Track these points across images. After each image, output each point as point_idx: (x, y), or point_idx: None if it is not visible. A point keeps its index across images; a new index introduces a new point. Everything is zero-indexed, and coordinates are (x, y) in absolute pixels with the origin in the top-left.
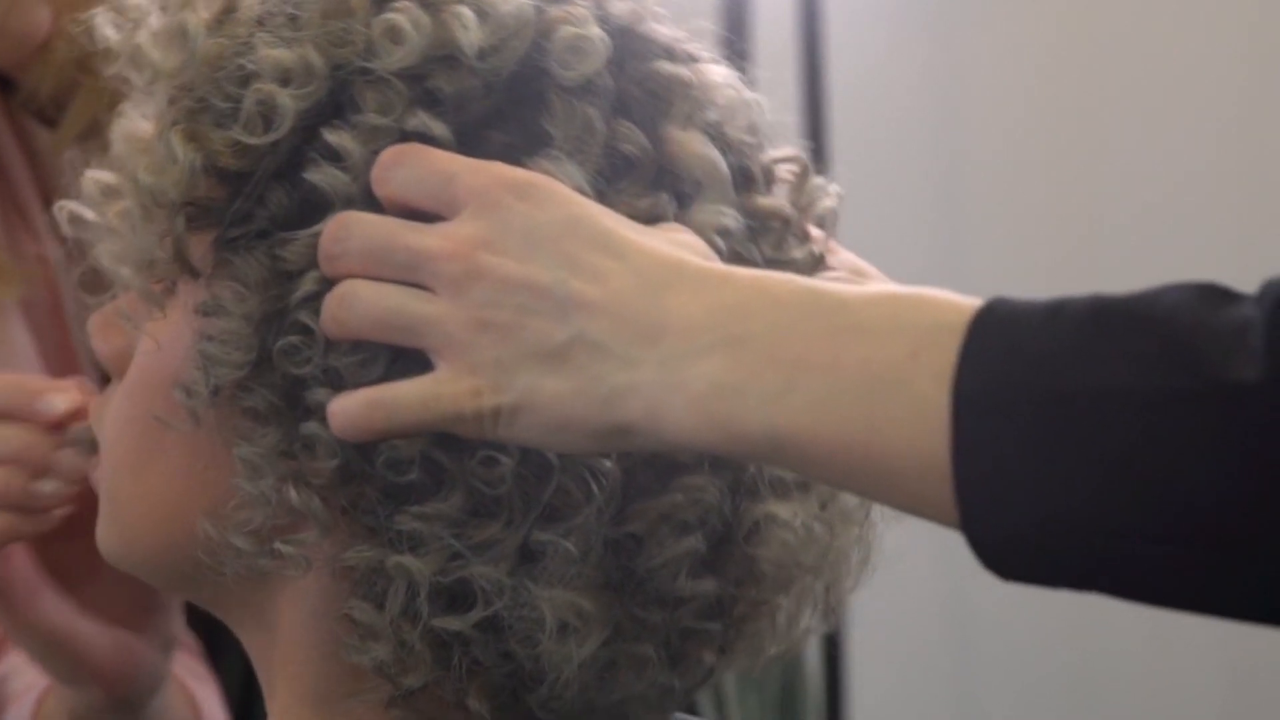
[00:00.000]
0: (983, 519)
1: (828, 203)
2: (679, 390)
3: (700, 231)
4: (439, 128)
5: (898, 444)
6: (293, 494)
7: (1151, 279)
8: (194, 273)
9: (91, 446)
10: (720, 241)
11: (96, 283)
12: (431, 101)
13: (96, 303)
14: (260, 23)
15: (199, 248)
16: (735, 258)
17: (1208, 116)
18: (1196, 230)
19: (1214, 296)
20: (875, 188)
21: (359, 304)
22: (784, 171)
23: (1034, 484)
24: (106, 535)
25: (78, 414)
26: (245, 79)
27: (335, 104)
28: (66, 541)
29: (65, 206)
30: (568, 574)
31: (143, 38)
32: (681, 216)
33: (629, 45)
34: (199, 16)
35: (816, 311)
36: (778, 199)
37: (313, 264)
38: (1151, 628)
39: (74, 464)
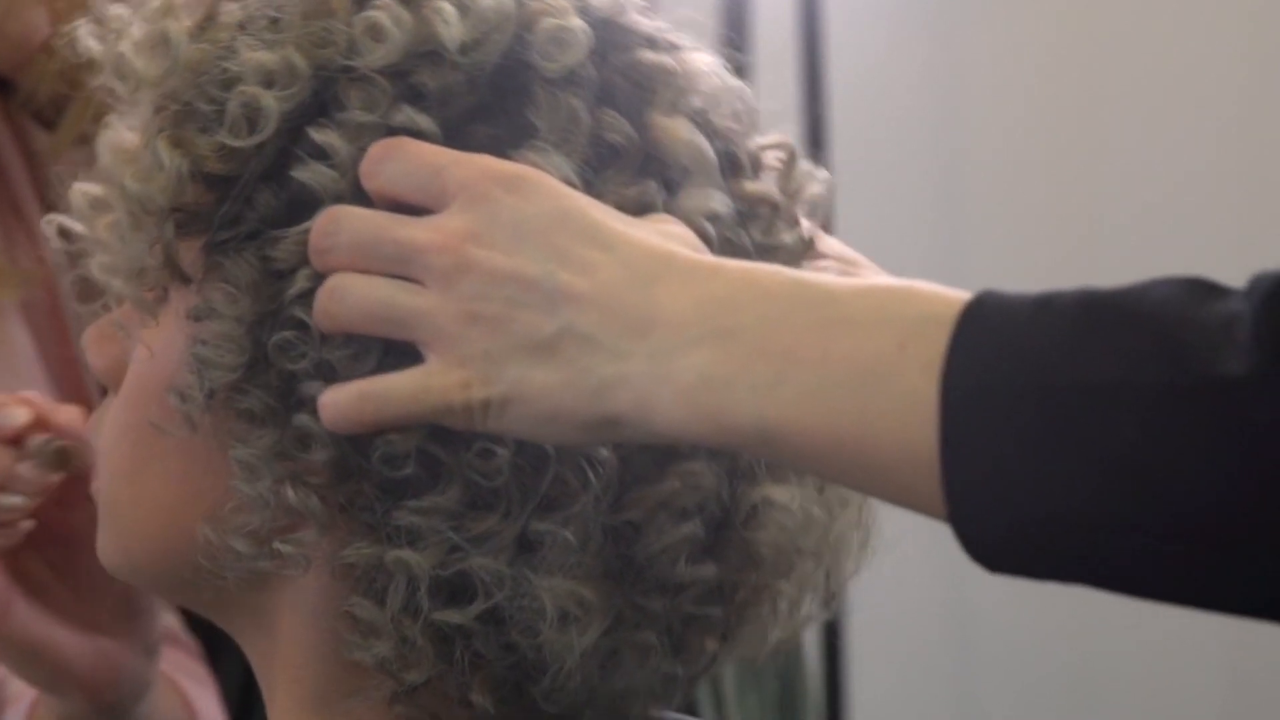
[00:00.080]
0: (970, 512)
1: (816, 188)
2: (668, 382)
3: (689, 217)
4: (425, 121)
5: (886, 437)
6: (290, 494)
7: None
8: (185, 279)
9: (53, 458)
10: (709, 228)
11: (88, 291)
12: (416, 97)
13: (89, 310)
14: (242, 27)
15: (189, 254)
16: (725, 243)
17: (1208, 116)
18: (1196, 230)
19: (1202, 291)
20: (875, 188)
21: (349, 297)
22: (772, 158)
23: (1021, 477)
24: (106, 545)
25: (36, 426)
26: (229, 83)
27: (320, 103)
28: (37, 552)
29: (54, 220)
30: (567, 563)
31: (125, 47)
32: (670, 203)
33: (611, 36)
34: (180, 24)
35: (805, 304)
36: (766, 184)
37: (304, 261)
38: (1151, 628)
39: (35, 476)
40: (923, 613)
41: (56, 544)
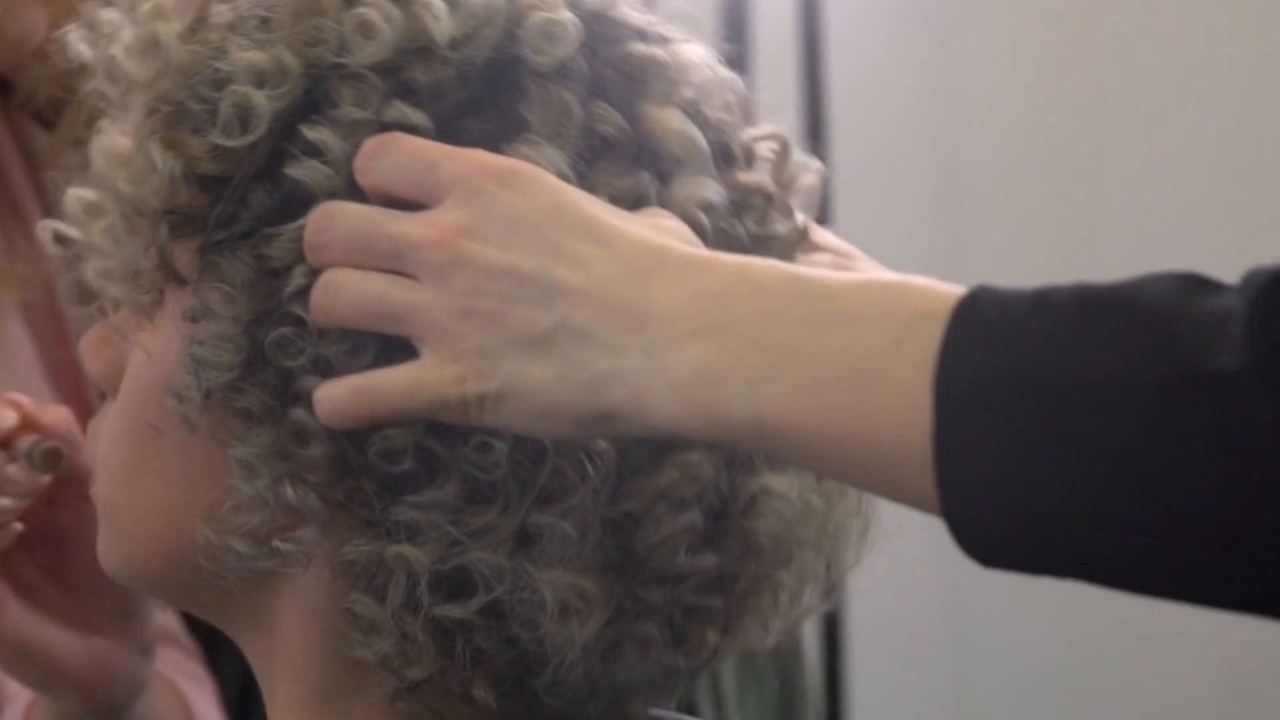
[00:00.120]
0: (964, 507)
1: (810, 179)
2: (662, 377)
3: (682, 206)
4: (418, 117)
5: (880, 432)
6: (289, 492)
7: None
8: (180, 280)
9: (43, 459)
10: (704, 218)
11: (83, 295)
12: (408, 93)
13: (84, 313)
14: (232, 28)
15: (184, 255)
16: (719, 234)
17: (1208, 116)
18: (1196, 230)
19: (1196, 286)
20: (875, 188)
21: (343, 292)
22: (765, 149)
23: (1015, 472)
24: (107, 549)
25: (24, 428)
26: (220, 83)
27: (312, 101)
28: (28, 553)
29: (49, 226)
30: (567, 555)
31: (116, 51)
32: (663, 193)
33: (601, 29)
34: (171, 27)
35: (801, 298)
36: (759, 175)
37: (300, 259)
38: (1151, 628)
39: (24, 478)
40: (923, 613)
41: (48, 545)
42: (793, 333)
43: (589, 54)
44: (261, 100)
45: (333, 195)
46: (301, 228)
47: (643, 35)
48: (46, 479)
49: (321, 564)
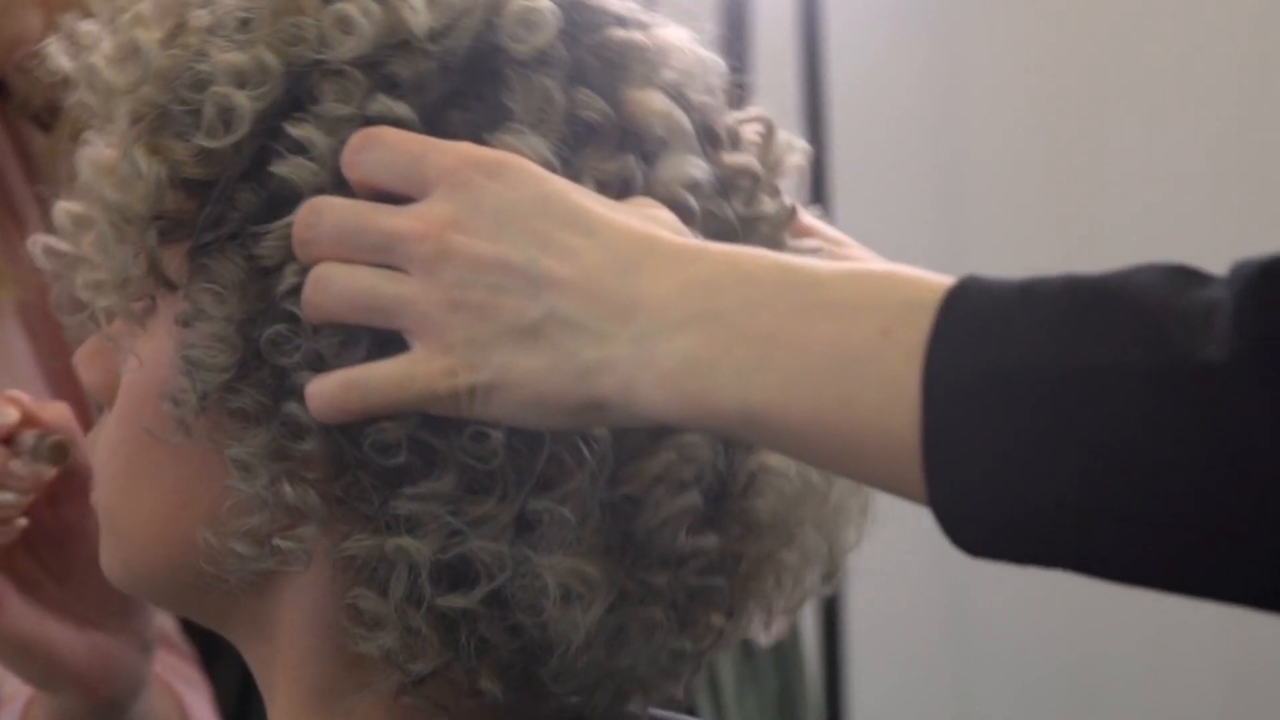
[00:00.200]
0: (951, 497)
1: (795, 159)
2: (651, 366)
3: (668, 188)
4: (402, 109)
5: (868, 422)
6: (288, 490)
7: None
8: (171, 285)
9: (49, 453)
10: (691, 200)
11: (74, 305)
12: (390, 86)
13: (77, 322)
14: (212, 31)
15: (174, 260)
16: (708, 216)
17: (1208, 116)
18: (1196, 230)
19: (1184, 278)
20: (875, 188)
21: (333, 286)
22: (750, 131)
23: (1003, 462)
24: (109, 559)
25: (27, 424)
26: (201, 85)
27: (295, 99)
28: (28, 549)
29: (40, 240)
30: (567, 540)
31: (96, 60)
32: (649, 175)
33: (580, 16)
34: (150, 33)
35: (789, 287)
36: (745, 156)
37: (290, 256)
38: (1151, 628)
39: (29, 473)
40: (923, 613)
41: (49, 541)
42: (781, 322)
43: (569, 41)
44: (243, 100)
45: (319, 191)
46: (290, 225)
47: (622, 21)
48: (50, 474)
49: (322, 561)
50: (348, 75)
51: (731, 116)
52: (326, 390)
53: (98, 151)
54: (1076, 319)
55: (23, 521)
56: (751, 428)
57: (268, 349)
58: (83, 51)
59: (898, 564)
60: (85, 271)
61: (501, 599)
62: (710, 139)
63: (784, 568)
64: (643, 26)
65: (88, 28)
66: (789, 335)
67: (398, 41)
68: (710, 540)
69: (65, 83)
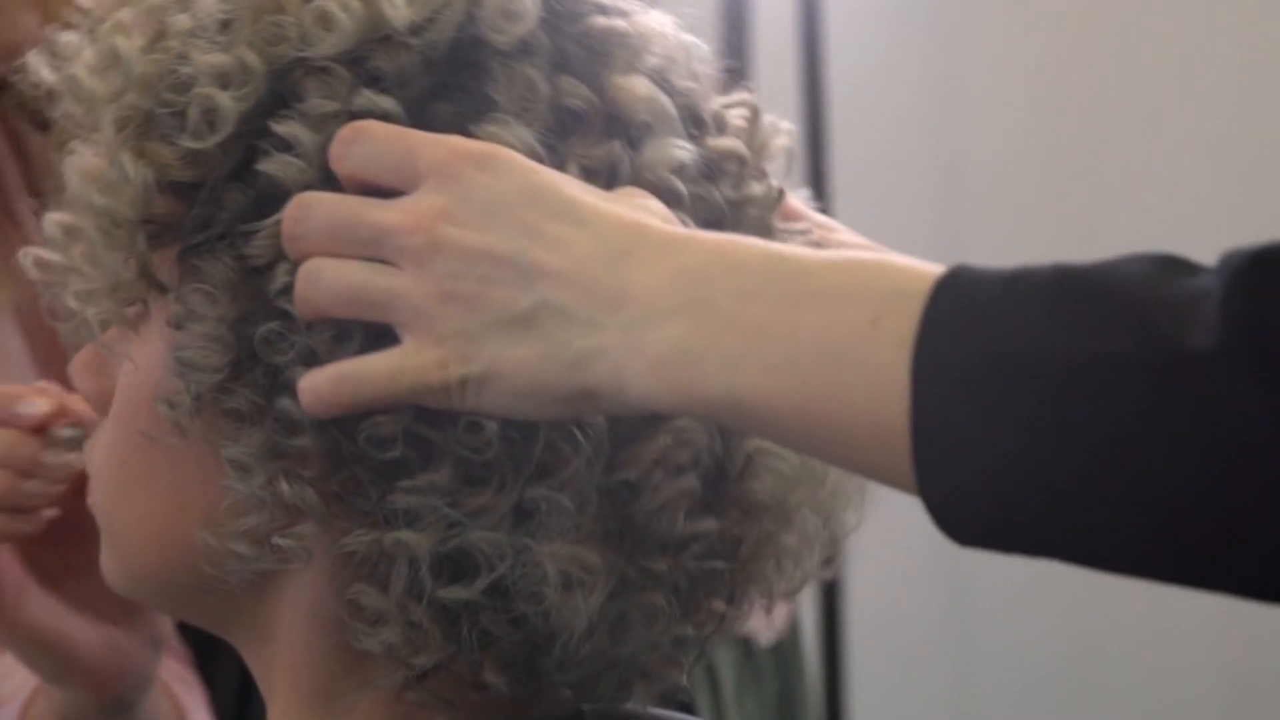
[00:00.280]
0: (939, 484)
1: (782, 141)
2: (641, 354)
3: (655, 172)
4: (388, 103)
5: (857, 411)
6: (285, 488)
7: None
8: (162, 289)
9: (75, 444)
10: (679, 184)
11: (66, 312)
12: (373, 81)
13: (70, 328)
14: (193, 34)
15: (164, 264)
16: (696, 200)
17: (1208, 116)
18: (1196, 230)
19: (1173, 267)
20: (875, 188)
21: (323, 281)
22: (735, 116)
23: (991, 451)
24: (110, 564)
25: (59, 415)
26: (184, 88)
27: (279, 98)
28: (50, 542)
29: (30, 253)
30: (566, 527)
31: (78, 70)
32: (635, 160)
33: (561, 5)
34: (131, 40)
35: (778, 276)
36: (731, 139)
37: (281, 253)
38: (1151, 628)
39: (60, 463)
40: (923, 613)
41: (70, 535)
42: (770, 310)
43: (551, 30)
44: (226, 101)
45: (307, 188)
46: (279, 223)
47: (603, 8)
48: (80, 466)
49: (321, 558)
50: (331, 72)
51: (717, 101)
52: (319, 385)
53: (84, 160)
54: (1065, 308)
55: (51, 512)
56: (740, 415)
57: (261, 347)
58: (64, 62)
59: (898, 564)
60: (76, 281)
61: (502, 589)
62: (696, 123)
63: (783, 551)
64: (624, 14)
65: (68, 38)
66: (778, 324)
67: (379, 36)
68: (709, 524)
69: (50, 94)
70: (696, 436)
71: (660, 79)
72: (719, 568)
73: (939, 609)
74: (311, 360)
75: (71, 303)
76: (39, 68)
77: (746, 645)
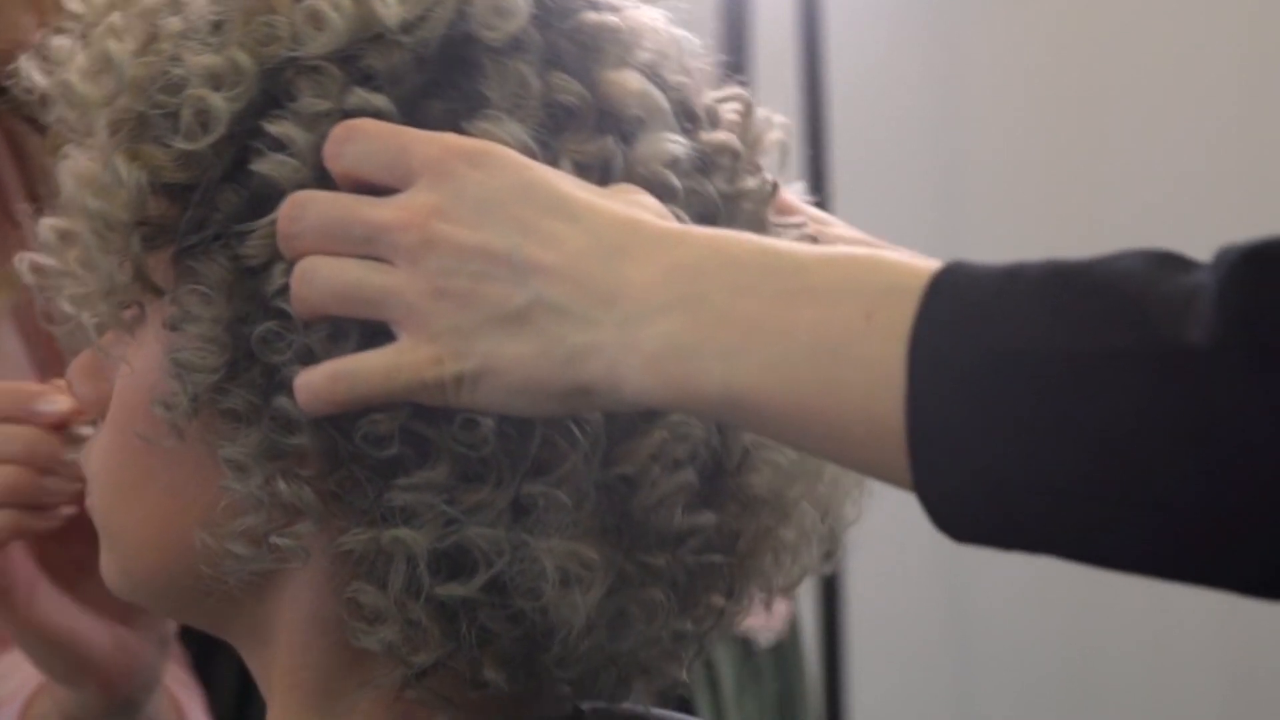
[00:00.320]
0: (935, 480)
1: (775, 135)
2: (636, 350)
3: (649, 166)
4: (380, 101)
5: (852, 406)
6: (283, 487)
7: None
8: (158, 291)
9: None
10: (672, 178)
11: (62, 316)
12: (365, 79)
13: (66, 330)
14: (184, 36)
15: (159, 266)
16: (690, 194)
17: (1208, 116)
18: (1196, 230)
19: (1169, 263)
20: (875, 188)
21: (318, 279)
22: (728, 110)
23: (984, 444)
24: (109, 567)
25: (78, 412)
26: (176, 89)
27: (271, 98)
28: (62, 541)
29: (26, 258)
30: (564, 523)
31: (71, 75)
32: (628, 155)
33: (552, 1)
34: (123, 44)
35: (773, 271)
36: (724, 133)
37: (276, 253)
38: (1151, 628)
39: (79, 461)
40: (923, 613)
41: (80, 534)
42: (764, 306)
43: (542, 26)
44: (219, 102)
45: (300, 188)
46: (273, 222)
47: (594, 4)
48: None
49: (320, 557)
50: (323, 71)
51: (710, 95)
52: (314, 382)
53: (78, 164)
54: (1062, 304)
55: (69, 509)
56: (735, 411)
57: (259, 347)
58: (57, 67)
59: (898, 564)
60: (71, 286)
61: (500, 585)
62: (689, 117)
63: (782, 545)
64: (615, 9)
65: (60, 43)
66: (772, 319)
67: (371, 35)
68: (707, 518)
69: (43, 100)
70: (693, 431)
71: (652, 73)
72: (717, 562)
73: (939, 609)
74: (309, 359)
75: (67, 307)
76: (32, 72)
77: (746, 645)
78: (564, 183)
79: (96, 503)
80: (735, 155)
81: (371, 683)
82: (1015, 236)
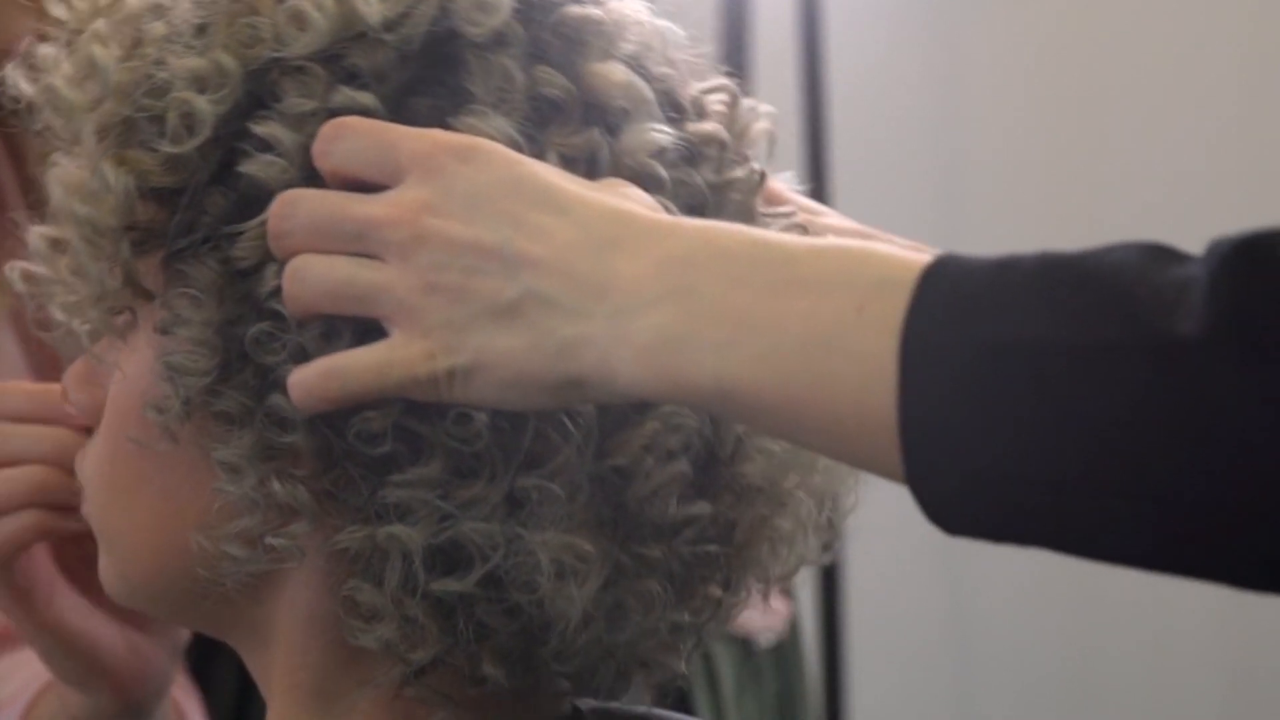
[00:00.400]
0: (927, 472)
1: (762, 125)
2: (627, 342)
3: (635, 157)
4: (367, 98)
5: (843, 399)
6: (277, 488)
7: None
8: (149, 295)
9: None
10: (659, 169)
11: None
12: (350, 78)
13: (58, 336)
14: (168, 39)
15: (150, 270)
16: (678, 185)
17: (1208, 116)
18: (1196, 230)
19: (1160, 255)
20: (875, 188)
21: (310, 277)
22: (714, 101)
23: (976, 436)
24: (107, 572)
25: None
26: (161, 93)
27: (257, 99)
28: (79, 543)
29: (16, 267)
30: (558, 516)
31: (57, 81)
32: (614, 147)
33: None
34: (108, 50)
35: (764, 263)
36: (711, 124)
37: (267, 254)
38: (1151, 628)
39: None
40: (923, 613)
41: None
42: (755, 298)
43: (525, 20)
44: (203, 104)
45: (288, 188)
46: (263, 224)
47: None
48: None
49: (316, 557)
50: (307, 70)
51: (695, 86)
52: (307, 379)
53: (66, 171)
54: (1054, 297)
55: None
56: (727, 404)
57: (252, 348)
58: (43, 75)
59: (898, 564)
60: (63, 294)
61: (496, 580)
62: (674, 108)
63: (778, 534)
64: (598, 1)
65: (46, 51)
66: (763, 311)
67: (354, 34)
68: (702, 508)
69: (29, 108)
70: (686, 421)
71: (636, 65)
72: (713, 552)
73: (939, 608)
74: (302, 359)
75: (59, 315)
76: (18, 80)
77: (746, 645)
78: (553, 176)
79: (93, 509)
80: (722, 145)
81: (370, 681)
82: (1015, 236)
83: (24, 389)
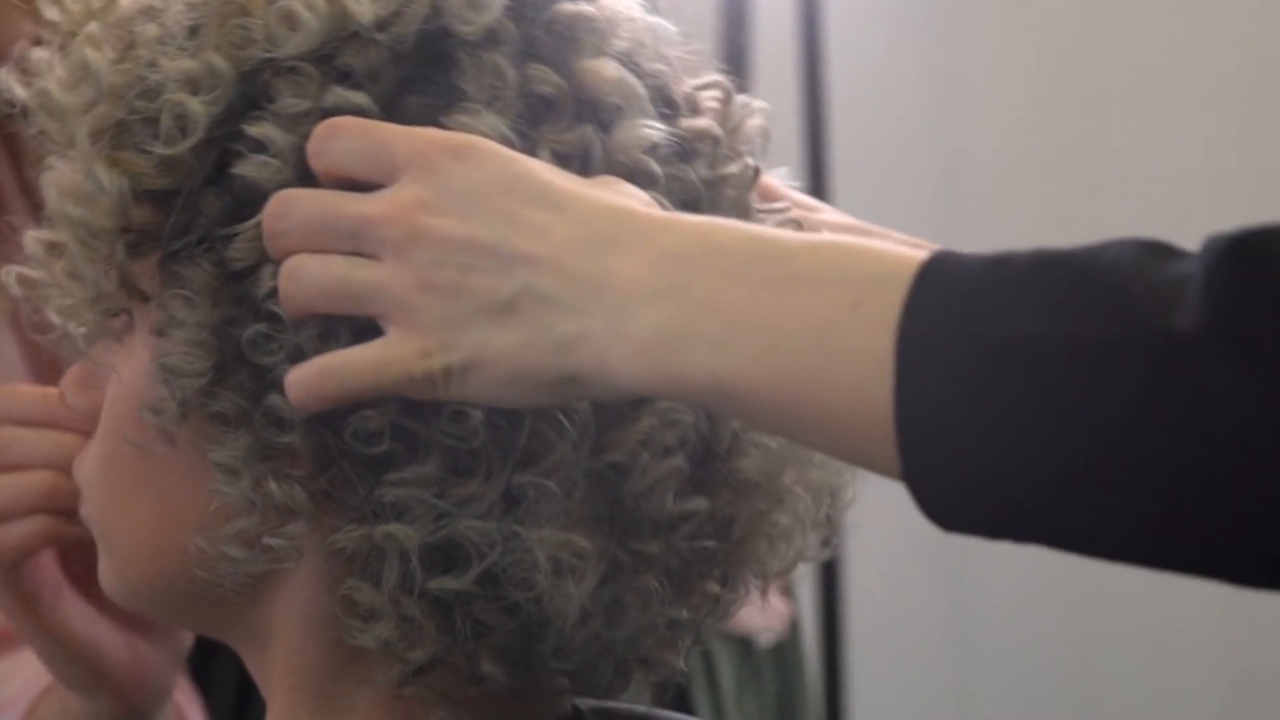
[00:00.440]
0: (925, 470)
1: (756, 121)
2: (624, 338)
3: (628, 153)
4: (360, 98)
5: (839, 395)
6: (274, 488)
7: None
8: (144, 297)
9: None
10: (653, 165)
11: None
12: (343, 77)
13: (54, 339)
14: (161, 41)
15: (145, 273)
16: (672, 181)
17: (1207, 115)
18: (1196, 230)
19: (1156, 251)
20: (875, 188)
21: (305, 276)
22: (707, 98)
23: (973, 433)
24: (107, 574)
25: None
26: (154, 95)
27: (250, 100)
28: (84, 549)
29: (12, 271)
30: (555, 513)
31: (50, 85)
32: (607, 143)
33: None
34: (101, 53)
35: (760, 259)
36: (704, 120)
37: (262, 255)
38: (1151, 628)
39: None
40: (923, 613)
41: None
42: (751, 294)
43: (517, 18)
44: (196, 106)
45: (282, 189)
46: (257, 225)
47: None
48: None
49: (313, 557)
50: (300, 71)
51: (688, 83)
52: (304, 379)
53: (61, 175)
54: (1049, 293)
55: None
56: (724, 400)
57: (249, 349)
58: (36, 79)
59: (898, 564)
60: (59, 297)
61: (494, 578)
62: (667, 104)
63: (775, 530)
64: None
65: (39, 55)
66: (759, 307)
67: (346, 33)
68: (699, 503)
69: (23, 112)
70: (682, 417)
71: (629, 61)
72: (711, 548)
73: (939, 608)
74: (299, 359)
75: (55, 319)
76: (11, 84)
77: (746, 645)
78: (548, 173)
79: (92, 512)
80: (716, 141)
81: (369, 681)
82: (1015, 236)
83: (30, 393)
